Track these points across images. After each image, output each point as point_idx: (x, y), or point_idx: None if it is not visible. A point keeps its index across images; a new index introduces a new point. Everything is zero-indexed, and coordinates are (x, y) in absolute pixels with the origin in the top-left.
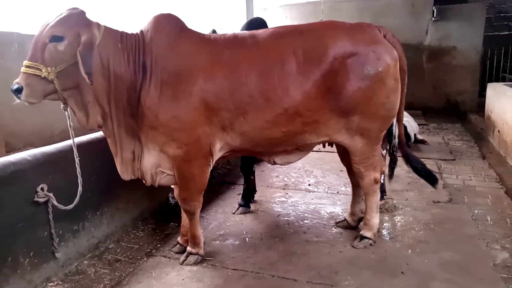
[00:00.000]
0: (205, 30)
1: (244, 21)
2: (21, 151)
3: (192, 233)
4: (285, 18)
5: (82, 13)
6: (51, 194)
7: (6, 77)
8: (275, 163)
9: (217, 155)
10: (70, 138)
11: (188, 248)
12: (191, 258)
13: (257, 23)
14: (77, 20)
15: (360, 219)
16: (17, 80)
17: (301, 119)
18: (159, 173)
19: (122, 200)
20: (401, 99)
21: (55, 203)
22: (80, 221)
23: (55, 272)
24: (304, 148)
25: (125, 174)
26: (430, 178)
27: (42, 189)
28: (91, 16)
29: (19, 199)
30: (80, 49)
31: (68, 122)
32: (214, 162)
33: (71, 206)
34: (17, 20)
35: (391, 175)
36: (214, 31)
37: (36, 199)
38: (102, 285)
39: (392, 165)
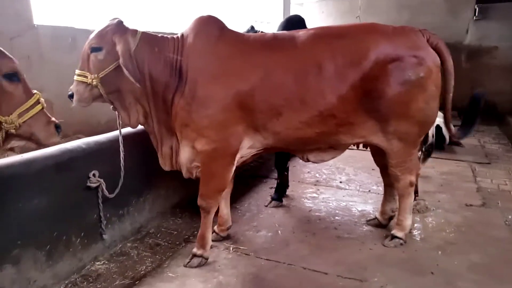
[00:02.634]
0: (243, 25)
1: (280, 15)
2: (72, 138)
3: (202, 232)
4: (321, 14)
5: (119, 22)
6: (102, 180)
7: (59, 68)
8: (308, 160)
9: (246, 152)
10: (114, 128)
11: (194, 250)
12: (195, 260)
13: (294, 21)
14: (113, 30)
15: (391, 218)
16: (71, 87)
17: (336, 121)
18: (195, 167)
19: (162, 188)
20: (448, 100)
21: (104, 188)
22: (125, 206)
23: (102, 252)
24: (338, 147)
25: (165, 166)
26: None
27: (94, 175)
28: (132, 23)
29: (74, 183)
30: (121, 61)
31: (118, 121)
32: (237, 161)
33: (112, 195)
34: (71, 15)
35: None
36: (252, 27)
37: (88, 184)
38: (144, 267)
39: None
